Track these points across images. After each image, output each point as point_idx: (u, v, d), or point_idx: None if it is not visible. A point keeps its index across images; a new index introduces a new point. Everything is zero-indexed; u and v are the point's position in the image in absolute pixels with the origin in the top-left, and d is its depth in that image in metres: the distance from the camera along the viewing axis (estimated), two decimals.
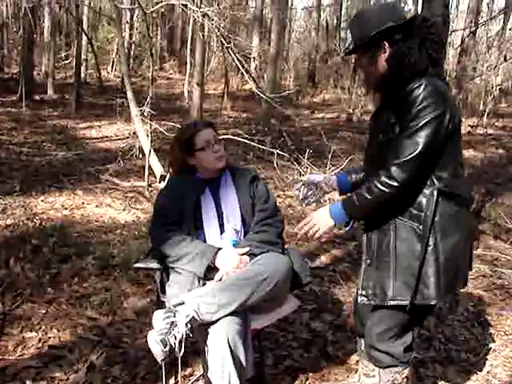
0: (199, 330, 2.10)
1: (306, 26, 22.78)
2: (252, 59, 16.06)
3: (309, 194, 2.38)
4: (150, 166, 5.99)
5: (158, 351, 1.97)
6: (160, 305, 2.38)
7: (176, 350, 1.97)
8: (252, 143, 6.53)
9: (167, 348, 1.96)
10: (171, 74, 19.94)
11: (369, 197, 1.96)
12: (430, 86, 1.89)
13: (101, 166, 6.88)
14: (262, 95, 7.28)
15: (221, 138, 2.70)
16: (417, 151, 1.87)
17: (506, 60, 12.50)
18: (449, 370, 2.82)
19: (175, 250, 2.32)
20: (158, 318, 2.03)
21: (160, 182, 5.79)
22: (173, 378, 2.49)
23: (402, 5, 16.66)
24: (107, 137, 9.41)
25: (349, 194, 2.12)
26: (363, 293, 2.11)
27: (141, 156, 6.53)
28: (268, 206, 2.52)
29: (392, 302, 2.03)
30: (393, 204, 1.96)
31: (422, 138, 1.87)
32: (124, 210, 5.16)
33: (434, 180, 1.95)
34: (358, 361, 2.65)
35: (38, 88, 13.25)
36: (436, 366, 2.83)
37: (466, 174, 2.18)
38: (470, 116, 12.68)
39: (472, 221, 2.29)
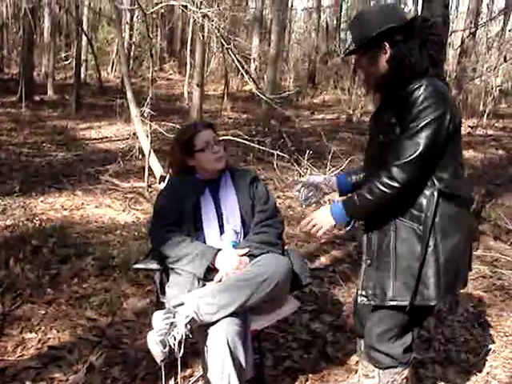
0: (199, 331, 2.10)
1: (306, 27, 22.78)
2: (252, 60, 16.08)
3: (309, 195, 2.38)
4: (149, 167, 5.99)
5: (157, 352, 1.97)
6: (160, 306, 2.38)
7: (175, 350, 1.97)
8: (252, 144, 6.54)
9: (167, 349, 1.96)
10: (171, 74, 19.95)
11: (370, 197, 1.96)
12: (431, 87, 1.89)
13: (100, 166, 6.88)
14: (261, 96, 7.27)
15: (221, 138, 2.70)
16: (417, 152, 1.87)
17: (505, 61, 12.52)
18: (448, 370, 2.82)
19: (175, 251, 2.32)
20: (158, 318, 2.02)
21: (160, 183, 5.79)
22: (172, 378, 2.49)
23: (402, 6, 16.66)
24: (107, 137, 9.42)
25: (350, 194, 2.12)
26: (363, 293, 2.11)
27: (140, 157, 6.53)
28: (268, 206, 2.52)
29: (392, 303, 2.03)
30: (393, 204, 1.96)
31: (422, 139, 1.87)
32: (124, 210, 5.16)
33: (435, 181, 1.96)
34: (357, 361, 2.64)
35: (37, 89, 13.26)
36: (436, 367, 2.83)
37: (466, 175, 2.18)
38: (470, 117, 12.68)
39: (472, 221, 2.29)
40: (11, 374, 2.49)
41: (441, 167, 1.95)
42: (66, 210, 5.06)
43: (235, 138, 6.42)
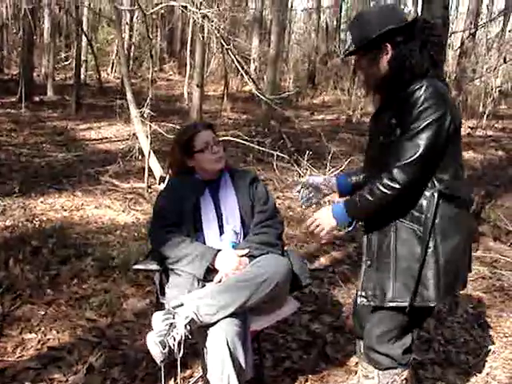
0: (198, 332, 2.10)
1: (306, 28, 22.78)
2: (252, 61, 16.10)
3: (309, 195, 2.38)
4: (149, 168, 5.99)
5: (157, 353, 1.97)
6: (159, 306, 2.38)
7: (175, 351, 1.97)
8: (252, 145, 6.54)
9: (166, 350, 1.96)
10: (171, 75, 19.95)
11: (370, 198, 1.96)
12: (431, 88, 1.89)
13: (100, 167, 6.88)
14: (261, 97, 7.28)
15: (220, 139, 2.70)
16: (418, 153, 1.87)
17: (505, 62, 12.53)
18: (448, 371, 2.82)
19: (175, 252, 2.32)
20: (158, 319, 2.03)
21: (159, 184, 5.79)
22: (172, 379, 2.49)
23: (402, 6, 16.66)
24: (107, 138, 9.42)
25: (352, 196, 2.12)
26: (363, 294, 2.10)
27: (140, 157, 6.53)
28: (267, 207, 2.52)
29: (391, 304, 2.03)
30: (394, 206, 1.97)
31: (423, 140, 1.87)
32: (123, 211, 5.16)
33: (435, 182, 1.96)
34: (357, 362, 2.64)
35: (37, 89, 13.26)
36: (435, 368, 2.83)
37: (465, 176, 2.19)
38: (470, 118, 12.68)
39: (472, 223, 2.29)
40: (11, 375, 2.49)
41: (441, 168, 1.95)
42: (65, 210, 5.06)
43: (235, 139, 6.43)
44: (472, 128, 12.01)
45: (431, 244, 1.96)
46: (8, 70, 17.22)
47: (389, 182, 1.90)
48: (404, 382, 2.23)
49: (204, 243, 2.40)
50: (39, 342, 2.79)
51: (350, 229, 2.12)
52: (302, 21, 25.57)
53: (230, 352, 2.01)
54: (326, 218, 2.09)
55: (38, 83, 14.31)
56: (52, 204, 5.21)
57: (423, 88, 1.88)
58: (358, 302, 2.14)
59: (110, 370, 2.60)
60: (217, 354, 2.02)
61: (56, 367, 2.59)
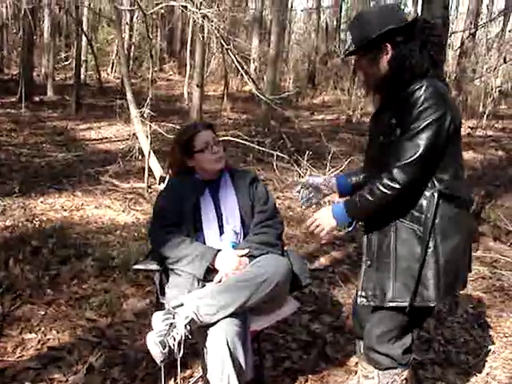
0: (198, 332, 2.10)
1: (306, 28, 22.80)
2: (252, 61, 16.10)
3: (309, 195, 2.38)
4: (149, 168, 5.99)
5: (157, 353, 1.97)
6: (159, 306, 2.38)
7: (175, 351, 1.97)
8: (252, 145, 6.54)
9: (166, 350, 1.96)
10: (171, 75, 19.95)
11: (371, 198, 1.96)
12: (431, 88, 1.89)
13: (100, 167, 6.88)
14: (261, 97, 7.28)
15: (220, 139, 2.70)
16: (418, 153, 1.87)
17: (505, 62, 12.53)
18: (448, 371, 2.82)
19: (175, 252, 2.32)
20: (158, 319, 2.03)
21: (159, 184, 5.79)
22: (172, 379, 2.49)
23: (402, 6, 16.66)
24: (107, 138, 9.42)
25: (352, 196, 2.12)
26: (363, 294, 2.10)
27: (140, 157, 6.53)
28: (267, 207, 2.52)
29: (391, 304, 2.03)
30: (393, 206, 1.97)
31: (423, 140, 1.87)
32: (123, 211, 5.16)
33: (435, 182, 1.96)
34: (357, 363, 2.64)
35: (37, 89, 13.26)
36: (435, 368, 2.83)
37: (465, 176, 2.18)
38: (470, 118, 12.69)
39: (472, 223, 2.29)
40: (11, 375, 2.49)
41: (441, 168, 1.95)
42: (65, 210, 5.06)
43: (235, 139, 6.43)
44: (472, 128, 12.02)
45: (431, 244, 1.96)
46: (8, 70, 17.23)
47: (389, 182, 1.90)
48: (404, 382, 2.23)
49: (204, 243, 2.40)
50: (39, 341, 2.79)
51: (350, 229, 2.12)
52: (301, 21, 25.60)
53: (230, 352, 2.01)
54: (326, 219, 2.09)
55: (38, 83, 14.32)
56: (52, 204, 5.21)
57: (423, 88, 1.88)
58: (358, 302, 2.13)
59: (110, 370, 2.60)
60: (217, 354, 2.02)
61: (56, 367, 2.59)
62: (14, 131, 9.12)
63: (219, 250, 2.32)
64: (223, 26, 6.93)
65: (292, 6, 22.93)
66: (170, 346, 1.96)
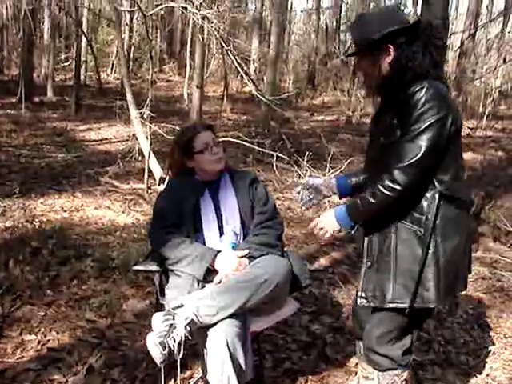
0: (198, 333, 2.10)
1: (306, 29, 22.79)
2: (251, 61, 16.11)
3: (310, 196, 2.38)
4: (149, 169, 5.99)
5: (157, 354, 1.97)
6: (159, 307, 2.38)
7: (175, 352, 1.97)
8: (251, 146, 6.55)
9: (166, 350, 1.96)
10: (171, 76, 19.96)
11: (372, 200, 1.96)
12: (432, 89, 1.89)
13: (100, 168, 6.89)
14: (261, 98, 7.28)
15: (220, 140, 2.70)
16: (419, 155, 1.87)
17: (505, 62, 12.53)
18: (448, 372, 2.82)
19: (174, 253, 2.32)
20: (157, 320, 2.03)
21: (159, 185, 5.78)
22: (172, 380, 2.49)
23: (402, 7, 16.67)
24: (107, 139, 9.42)
25: (353, 199, 2.12)
26: (363, 295, 2.10)
27: (140, 158, 6.53)
28: (267, 208, 2.52)
29: (391, 305, 2.03)
30: (394, 207, 1.97)
31: (424, 142, 1.87)
32: (123, 212, 5.16)
33: (436, 183, 1.96)
34: (357, 363, 2.64)
35: (37, 90, 13.26)
36: (435, 369, 2.83)
37: (465, 177, 2.19)
38: (470, 118, 12.68)
39: (471, 224, 2.29)
40: (10, 376, 2.49)
41: (442, 169, 1.95)
42: (65, 211, 5.06)
43: (235, 140, 6.42)
44: (472, 128, 12.02)
45: (432, 245, 1.96)
46: (8, 71, 17.23)
47: (390, 184, 1.91)
48: (404, 383, 2.23)
49: (204, 244, 2.40)
50: (39, 343, 2.79)
51: (353, 232, 2.12)
52: (301, 22, 25.59)
53: (230, 353, 2.01)
54: (329, 221, 2.10)
55: (38, 84, 14.33)
56: (52, 205, 5.21)
57: (424, 89, 1.88)
58: (358, 303, 2.13)
59: (109, 370, 2.60)
60: (217, 354, 2.02)
61: (56, 368, 2.58)
62: (14, 132, 9.12)
63: (219, 251, 2.32)
64: (223, 27, 6.93)
65: (292, 7, 22.96)
66: (169, 347, 1.96)
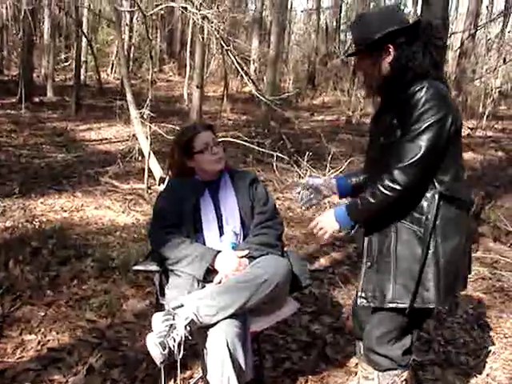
0: (198, 333, 2.10)
1: (306, 29, 22.81)
2: (251, 61, 16.11)
3: (310, 196, 2.38)
4: (149, 169, 5.99)
5: (157, 354, 1.97)
6: (159, 307, 2.38)
7: (175, 352, 1.97)
8: (251, 146, 6.54)
9: (166, 351, 1.96)
10: (171, 76, 19.95)
11: (372, 200, 1.96)
12: (432, 89, 1.89)
13: (100, 168, 6.89)
14: (261, 98, 7.29)
15: (220, 140, 2.70)
16: (419, 155, 1.87)
17: (505, 62, 12.54)
18: (448, 372, 2.82)
19: (174, 253, 2.32)
20: (157, 320, 2.03)
21: (159, 185, 5.78)
22: (172, 380, 2.49)
23: (402, 7, 16.66)
24: (107, 139, 9.42)
25: (353, 199, 2.12)
26: (363, 295, 2.10)
27: (140, 158, 6.53)
28: (267, 208, 2.52)
29: (391, 305, 2.03)
30: (394, 207, 1.96)
31: (424, 142, 1.87)
32: (123, 212, 5.16)
33: (436, 183, 1.96)
34: (357, 363, 2.64)
35: (37, 90, 13.26)
36: (435, 369, 2.83)
37: (465, 177, 2.19)
38: (470, 118, 12.68)
39: (471, 224, 2.29)
40: (10, 376, 2.49)
41: (442, 170, 1.95)
42: (65, 211, 5.06)
43: (235, 140, 6.42)
44: (472, 129, 12.02)
45: (432, 245, 1.96)
46: (8, 71, 17.24)
47: (390, 184, 1.90)
48: (404, 383, 2.23)
49: (204, 244, 2.40)
50: (39, 343, 2.79)
51: (353, 232, 2.12)
52: (301, 22, 25.61)
53: (230, 353, 2.00)
54: (328, 222, 2.10)
55: (38, 84, 14.32)
56: (52, 205, 5.21)
57: (424, 89, 1.88)
58: (358, 303, 2.13)
59: (110, 371, 2.60)
60: (217, 355, 2.01)
61: (56, 368, 2.58)
62: (14, 132, 9.13)
63: (219, 251, 2.32)
64: (223, 27, 6.93)
65: (292, 7, 22.96)
66: (169, 347, 1.96)
